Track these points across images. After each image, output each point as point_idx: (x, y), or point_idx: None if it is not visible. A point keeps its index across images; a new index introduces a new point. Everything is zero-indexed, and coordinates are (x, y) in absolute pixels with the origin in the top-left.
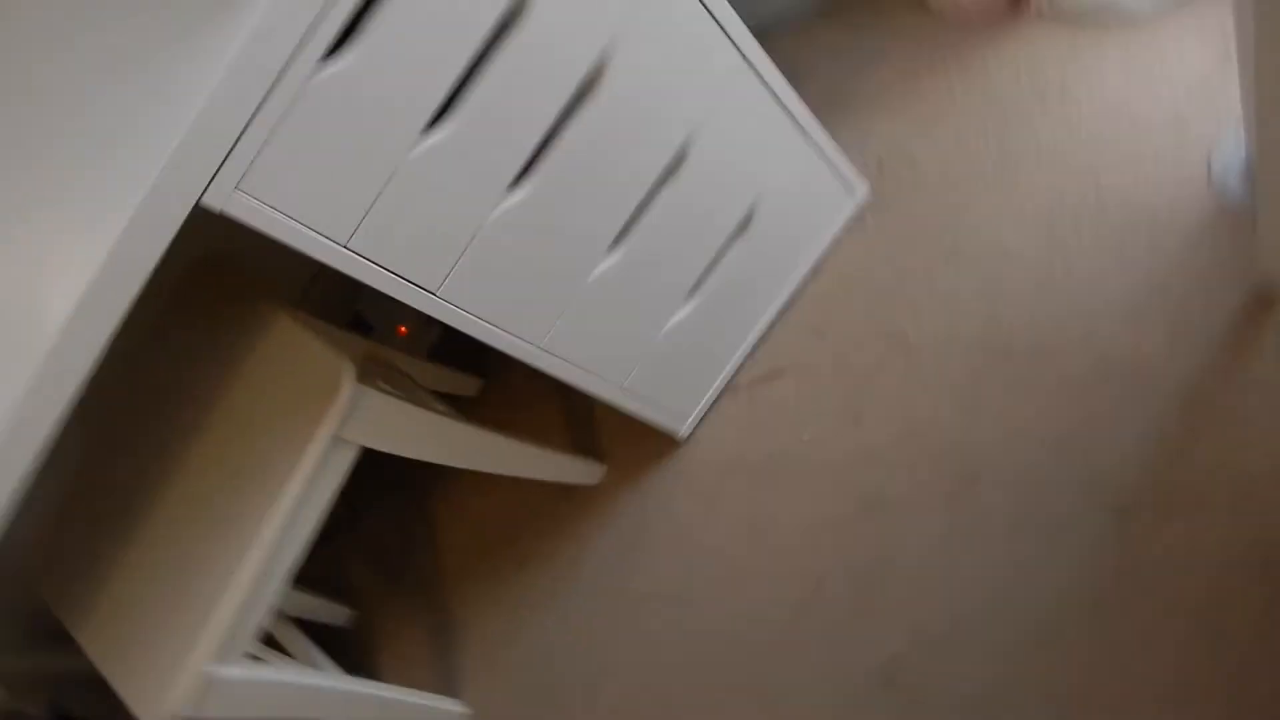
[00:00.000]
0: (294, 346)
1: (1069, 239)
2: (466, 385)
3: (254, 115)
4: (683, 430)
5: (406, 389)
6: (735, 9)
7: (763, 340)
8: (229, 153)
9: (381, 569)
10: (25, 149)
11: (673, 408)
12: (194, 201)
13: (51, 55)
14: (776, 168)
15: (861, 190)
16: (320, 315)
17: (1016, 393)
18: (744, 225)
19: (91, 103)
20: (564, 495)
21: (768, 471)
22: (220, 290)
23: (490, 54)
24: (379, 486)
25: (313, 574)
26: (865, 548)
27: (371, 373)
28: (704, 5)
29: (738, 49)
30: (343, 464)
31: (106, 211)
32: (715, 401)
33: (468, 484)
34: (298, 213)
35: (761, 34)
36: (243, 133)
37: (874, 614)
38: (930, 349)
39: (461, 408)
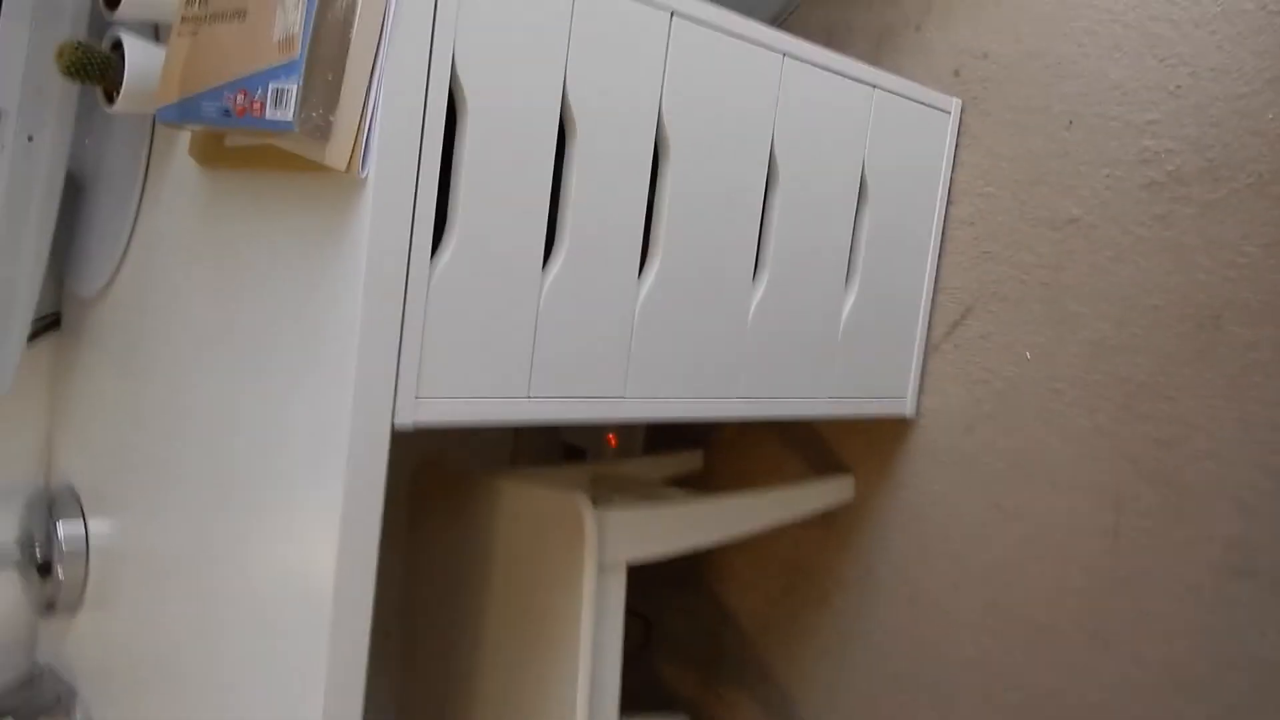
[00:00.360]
0: (525, 502)
1: (1177, 46)
2: (691, 461)
3: (402, 333)
4: (909, 410)
5: (640, 493)
6: (744, 13)
7: (936, 289)
8: (397, 375)
9: (693, 664)
10: (201, 452)
11: (887, 394)
12: (389, 432)
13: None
14: (864, 129)
15: (954, 105)
16: (535, 461)
17: (1214, 218)
18: (863, 195)
19: (243, 379)
20: (828, 521)
21: (1011, 408)
22: (439, 485)
23: (565, 160)
24: (653, 589)
25: (634, 697)
26: (1145, 436)
27: (604, 494)
28: (724, 31)
29: (771, 49)
30: (616, 588)
31: (315, 479)
32: (924, 367)
33: (732, 550)
34: (476, 393)
35: (780, 19)
36: (399, 351)
37: (1188, 506)
38: (1102, 216)
39: (695, 484)
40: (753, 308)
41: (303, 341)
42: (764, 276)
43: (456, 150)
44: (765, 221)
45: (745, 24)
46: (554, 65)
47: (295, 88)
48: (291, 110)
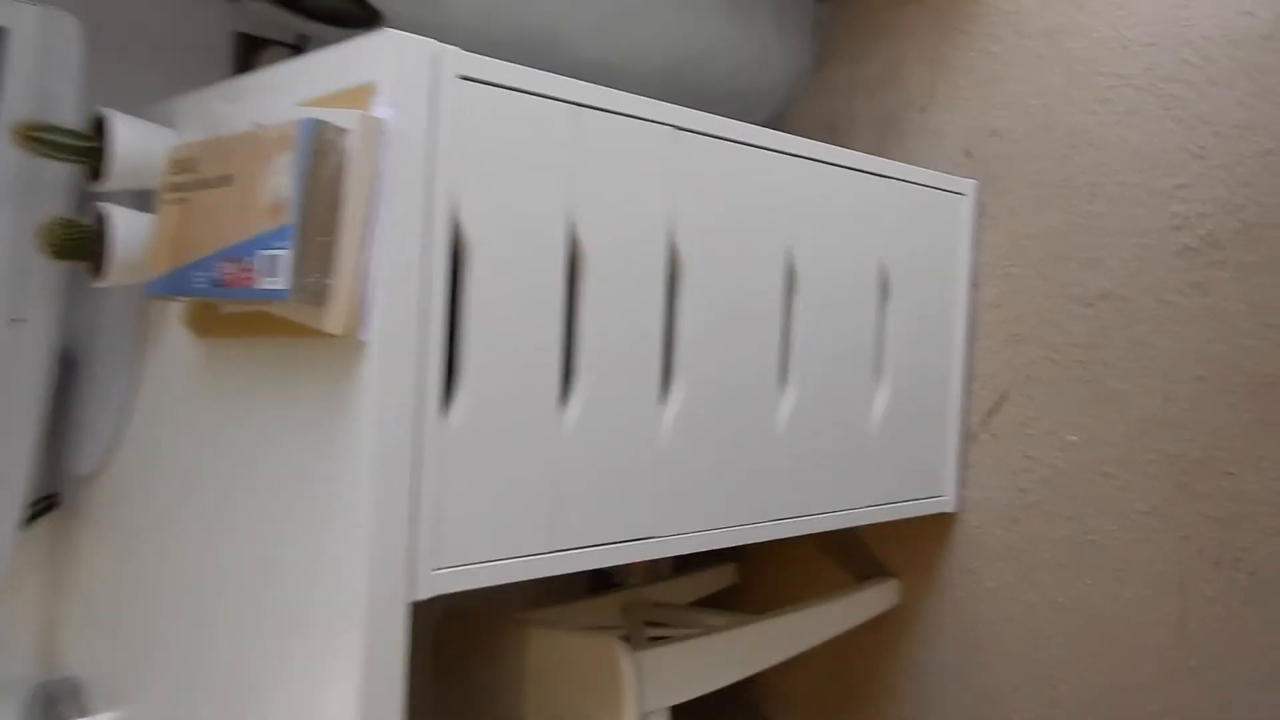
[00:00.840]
0: (558, 649)
1: (1196, 106)
2: (724, 576)
3: (415, 502)
4: (951, 505)
5: (676, 620)
6: (740, 116)
7: (969, 378)
8: (412, 547)
9: None
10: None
11: (927, 492)
12: (405, 611)
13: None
14: (880, 222)
15: (969, 186)
16: (562, 589)
17: (1255, 281)
18: (885, 289)
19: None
20: (874, 626)
21: (1058, 496)
22: (465, 632)
23: (577, 293)
24: (696, 713)
25: None
26: (1205, 517)
27: (637, 625)
28: (729, 140)
29: (778, 153)
30: None
31: (333, 655)
32: (963, 460)
33: (776, 667)
34: (497, 554)
35: (779, 117)
36: (413, 522)
37: (1259, 588)
38: (1136, 287)
39: (731, 600)
40: (783, 419)
41: (313, 516)
42: (791, 386)
43: (463, 297)
44: (788, 328)
45: (750, 130)
46: (560, 198)
47: (288, 253)
48: (285, 277)
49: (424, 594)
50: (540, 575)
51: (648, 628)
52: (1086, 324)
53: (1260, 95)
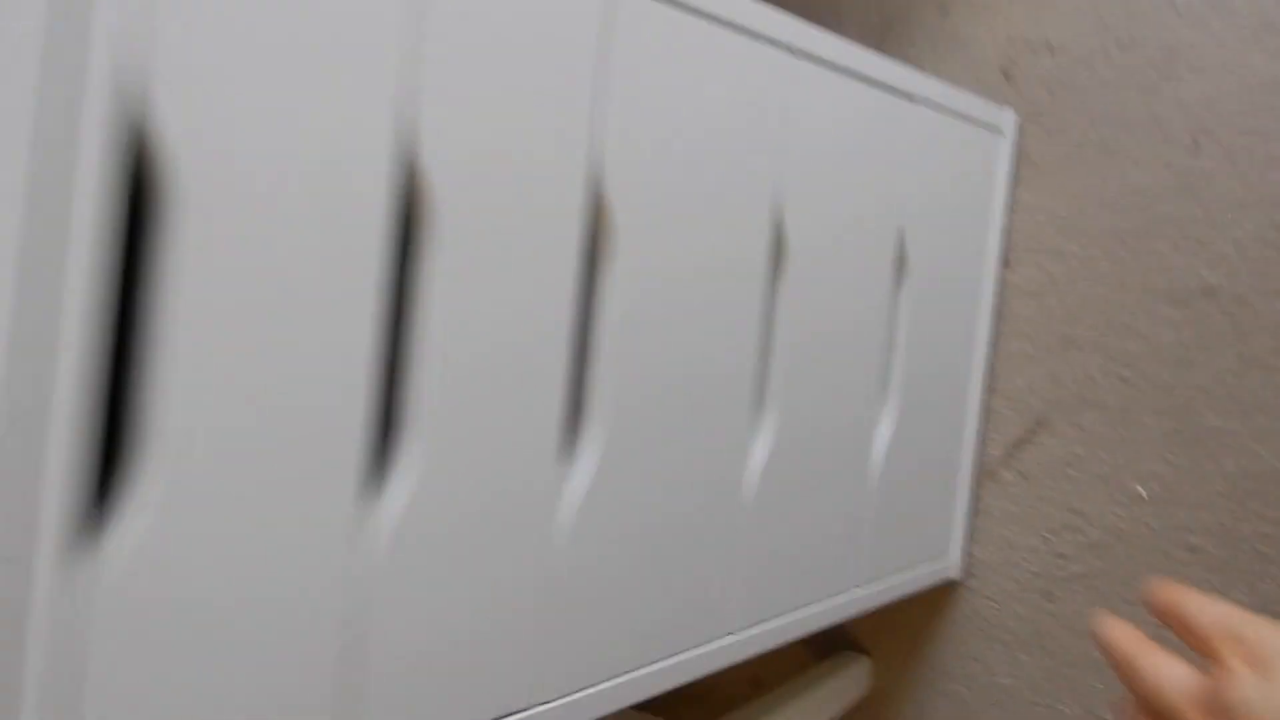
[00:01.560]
0: None
1: None
2: None
3: None
4: (953, 570)
5: None
6: None
7: (991, 393)
8: None
9: None
10: None
11: (925, 555)
12: None
13: None
14: (900, 165)
15: (1008, 120)
16: None
17: None
18: (900, 266)
19: None
20: None
21: (1116, 569)
22: None
23: (414, 271)
24: None
25: None
26: None
27: None
28: (701, 15)
29: (773, 42)
30: None
31: None
32: (975, 506)
33: None
34: None
35: None
36: None
37: None
38: (1255, 286)
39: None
40: (754, 473)
41: None
42: (769, 415)
43: (155, 286)
44: (769, 324)
45: (732, 2)
46: (381, 91)
47: None
48: None
49: None
50: None
51: None
52: (1177, 331)
53: None
